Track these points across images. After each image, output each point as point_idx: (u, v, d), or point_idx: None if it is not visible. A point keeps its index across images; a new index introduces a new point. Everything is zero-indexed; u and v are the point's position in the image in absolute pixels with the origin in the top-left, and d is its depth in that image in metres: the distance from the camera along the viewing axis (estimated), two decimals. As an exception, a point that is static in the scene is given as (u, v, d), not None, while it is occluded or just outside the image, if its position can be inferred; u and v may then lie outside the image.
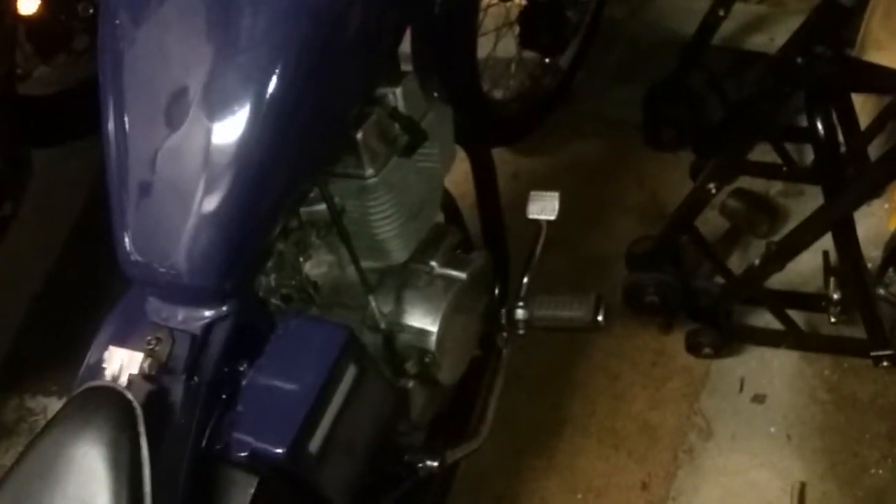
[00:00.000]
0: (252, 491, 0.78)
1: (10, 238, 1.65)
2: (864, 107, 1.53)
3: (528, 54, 1.76)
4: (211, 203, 0.80)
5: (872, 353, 1.35)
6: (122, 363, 0.78)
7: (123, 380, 0.77)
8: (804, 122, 1.31)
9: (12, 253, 1.71)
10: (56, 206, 1.87)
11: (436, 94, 1.04)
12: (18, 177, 1.58)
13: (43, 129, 1.69)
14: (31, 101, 1.67)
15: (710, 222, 1.61)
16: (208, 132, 0.80)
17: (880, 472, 1.33)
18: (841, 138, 1.33)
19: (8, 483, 0.73)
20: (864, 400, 1.41)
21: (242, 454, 0.78)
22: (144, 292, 0.85)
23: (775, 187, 1.68)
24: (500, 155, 1.75)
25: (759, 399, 1.44)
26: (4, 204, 1.50)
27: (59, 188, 1.86)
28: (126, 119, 0.84)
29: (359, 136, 0.89)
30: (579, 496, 1.39)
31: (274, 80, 0.79)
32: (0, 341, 1.71)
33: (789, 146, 1.55)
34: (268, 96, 0.79)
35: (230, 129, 0.79)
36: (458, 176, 1.30)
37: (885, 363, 1.34)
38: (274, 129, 0.79)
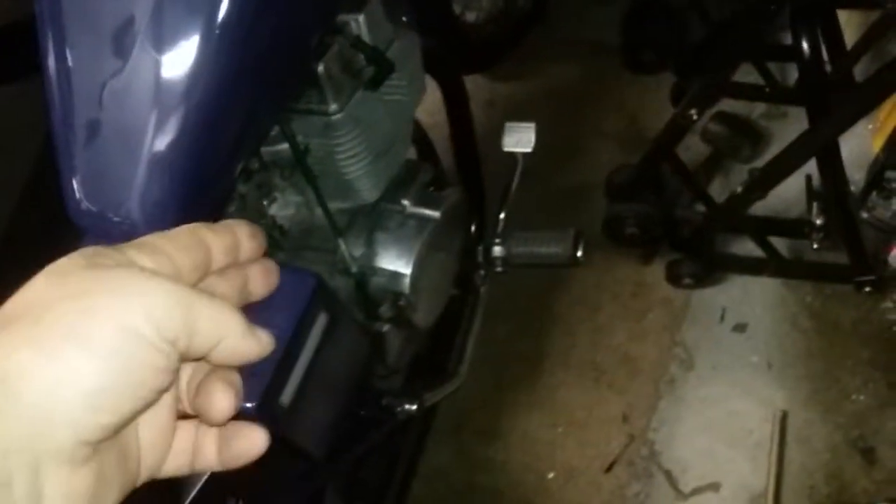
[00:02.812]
0: (222, 447, 0.75)
1: (-37, 182, 1.58)
2: (848, 25, 1.47)
3: (502, -27, 1.68)
4: (162, 143, 0.74)
5: (855, 279, 1.34)
6: (76, 319, 0.73)
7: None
8: (787, 40, 1.26)
9: (-34, 198, 1.64)
10: (13, 147, 1.79)
11: (403, 19, 0.97)
12: (-33, 118, 1.50)
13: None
14: (-25, 36, 1.57)
15: (691, 148, 1.57)
16: (157, 65, 0.73)
17: (861, 398, 1.33)
18: (825, 57, 1.28)
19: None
20: (847, 326, 1.40)
21: (210, 410, 0.75)
22: (98, 243, 0.80)
23: (758, 109, 1.64)
24: (473, 81, 1.69)
25: (740, 328, 1.43)
26: (-47, 146, 1.42)
27: (18, 127, 1.77)
28: (67, 53, 0.77)
29: (320, 68, 0.82)
30: (560, 430, 1.38)
31: (225, 5, 0.72)
32: (-40, 290, 1.65)
33: (772, 66, 1.50)
34: (218, 23, 0.72)
35: (179, 61, 0.73)
36: (431, 105, 1.24)
37: (867, 288, 1.33)
38: (226, 61, 0.73)
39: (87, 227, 0.79)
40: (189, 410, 0.43)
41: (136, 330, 0.36)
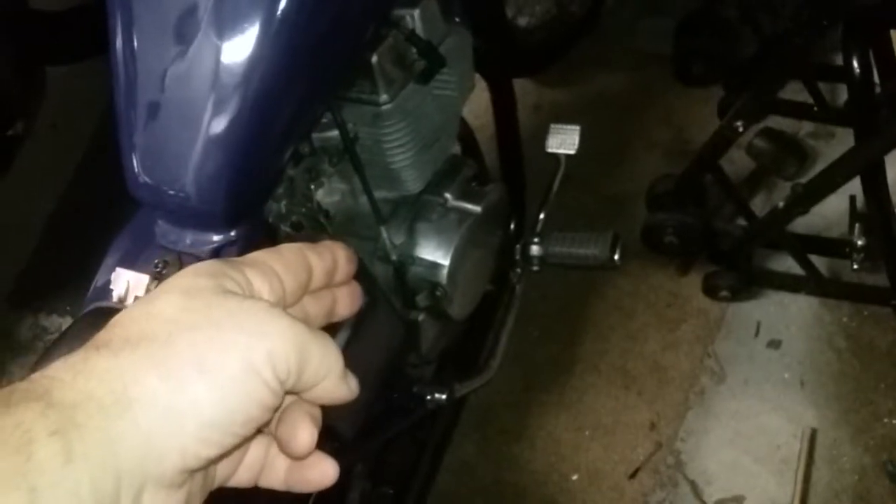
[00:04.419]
0: (257, 418, 0.77)
1: (23, 157, 1.64)
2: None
3: (556, -20, 1.70)
4: (219, 125, 0.77)
5: (894, 302, 1.33)
6: (128, 285, 0.77)
7: (130, 301, 0.76)
8: (838, 61, 1.26)
9: (26, 172, 1.70)
10: (71, 125, 1.85)
11: (457, 20, 0.99)
12: (31, 95, 1.56)
13: (56, 46, 1.66)
14: (43, 17, 1.63)
15: (736, 162, 1.57)
16: (217, 51, 0.77)
17: (893, 421, 1.32)
18: (876, 79, 1.27)
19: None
20: (882, 349, 1.39)
21: (248, 381, 0.77)
22: (153, 215, 0.83)
23: (805, 128, 1.63)
24: (522, 86, 1.71)
25: (774, 344, 1.43)
26: (16, 123, 1.48)
27: (74, 107, 1.83)
28: (134, 37, 0.81)
29: (373, 59, 0.85)
30: (587, 433, 1.39)
31: (285, -4, 0.76)
32: (15, 260, 1.71)
33: (822, 86, 1.49)
34: (279, 12, 0.75)
35: (239, 47, 0.76)
36: (478, 107, 1.26)
37: (906, 312, 1.32)
38: (285, 49, 0.76)
39: (142, 198, 0.83)
40: (266, 432, 0.44)
41: (257, 369, 0.37)
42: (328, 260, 0.46)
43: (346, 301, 0.48)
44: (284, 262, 0.43)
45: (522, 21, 1.68)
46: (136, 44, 0.80)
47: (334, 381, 0.41)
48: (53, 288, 1.67)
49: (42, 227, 1.76)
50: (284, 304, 0.42)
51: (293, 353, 0.38)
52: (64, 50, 1.68)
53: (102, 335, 0.38)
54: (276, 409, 0.39)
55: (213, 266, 0.41)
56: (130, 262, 0.80)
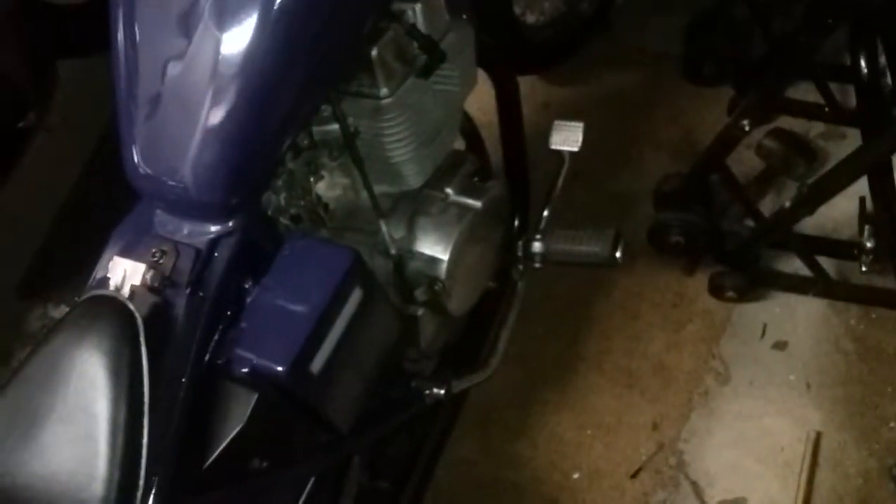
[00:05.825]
0: (251, 406, 0.78)
1: (35, 148, 1.65)
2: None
3: (566, -23, 1.70)
4: (217, 116, 0.78)
5: (902, 305, 1.32)
6: (125, 273, 0.78)
7: (126, 290, 0.77)
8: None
9: (38, 163, 1.71)
10: (82, 118, 1.87)
11: (463, 17, 0.99)
12: (43, 87, 1.57)
13: (69, 39, 1.67)
14: (57, 10, 1.65)
15: (746, 162, 1.56)
16: (217, 43, 0.78)
17: (899, 425, 1.31)
18: (890, 80, 1.26)
19: (10, 389, 0.73)
20: (890, 352, 1.37)
21: (244, 370, 0.78)
22: (152, 205, 0.84)
23: (816, 129, 1.62)
24: (531, 84, 1.70)
25: (780, 346, 1.41)
26: (29, 114, 1.49)
27: (86, 100, 1.85)
28: (136, 30, 0.82)
29: (374, 53, 0.85)
30: (589, 432, 1.38)
31: (285, -12, 0.76)
32: (25, 251, 1.73)
33: (834, 87, 1.48)
34: (278, 4, 0.76)
35: (238, 39, 0.77)
36: (487, 105, 1.26)
37: (914, 316, 1.31)
38: (283, 40, 0.77)
39: (142, 189, 0.83)
40: None
41: None
42: None
43: None
44: None
45: (531, 18, 1.68)
46: (137, 36, 0.81)
47: None
48: (63, 278, 1.68)
49: (52, 219, 1.77)
50: None
51: None
52: (77, 43, 1.69)
53: None
54: None
55: None
56: (128, 252, 0.80)
